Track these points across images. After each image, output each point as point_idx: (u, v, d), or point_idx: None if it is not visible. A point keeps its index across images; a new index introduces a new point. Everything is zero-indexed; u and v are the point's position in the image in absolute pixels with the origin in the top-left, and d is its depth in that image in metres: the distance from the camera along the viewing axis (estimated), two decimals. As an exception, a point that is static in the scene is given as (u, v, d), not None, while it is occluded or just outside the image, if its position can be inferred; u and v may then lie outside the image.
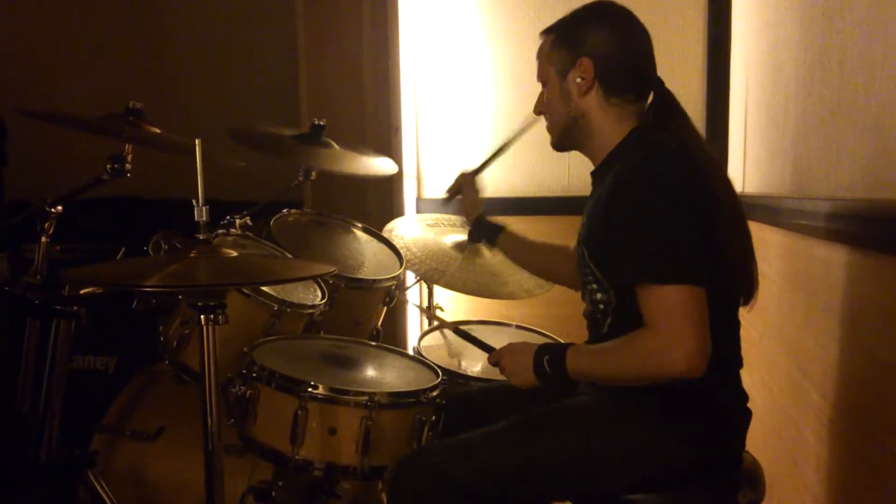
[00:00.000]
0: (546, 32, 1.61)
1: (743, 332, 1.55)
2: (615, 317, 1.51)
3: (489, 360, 1.68)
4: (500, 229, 1.96)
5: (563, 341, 2.25)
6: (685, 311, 1.33)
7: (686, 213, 1.38)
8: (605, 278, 1.51)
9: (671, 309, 1.34)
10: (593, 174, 1.62)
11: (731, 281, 1.48)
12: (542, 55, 1.61)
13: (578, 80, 1.53)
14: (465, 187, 2.02)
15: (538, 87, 1.65)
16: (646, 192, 1.40)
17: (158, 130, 1.91)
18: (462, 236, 2.46)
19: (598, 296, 1.54)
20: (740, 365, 1.54)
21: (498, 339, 2.32)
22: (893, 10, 1.41)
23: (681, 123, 1.54)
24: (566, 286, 1.94)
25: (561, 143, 1.64)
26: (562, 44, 1.56)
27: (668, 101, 1.56)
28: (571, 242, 1.74)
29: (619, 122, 1.54)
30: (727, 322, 1.52)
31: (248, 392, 1.61)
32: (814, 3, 1.91)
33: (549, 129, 1.65)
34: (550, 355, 1.51)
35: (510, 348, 1.62)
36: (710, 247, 1.40)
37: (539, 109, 1.66)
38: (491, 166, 2.05)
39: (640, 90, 1.55)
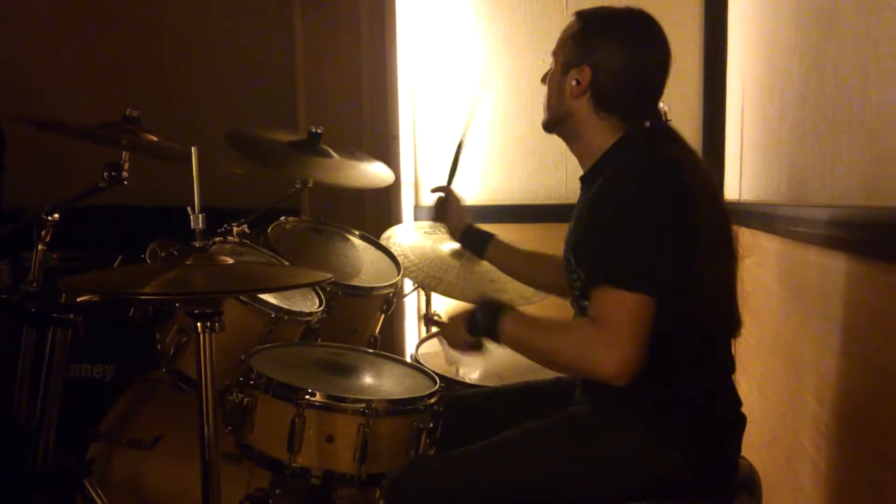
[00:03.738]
0: (576, 17, 1.56)
1: (740, 339, 1.55)
2: None
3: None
4: (487, 240, 1.96)
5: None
6: (631, 318, 1.33)
7: (658, 224, 1.38)
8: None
9: (618, 312, 1.34)
10: (582, 179, 1.61)
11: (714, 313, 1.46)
12: (564, 36, 1.57)
13: (574, 82, 1.52)
14: (447, 204, 2.01)
15: (536, 95, 1.66)
16: (624, 199, 1.40)
17: (155, 138, 1.91)
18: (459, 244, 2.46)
19: (585, 302, 1.53)
20: (733, 370, 1.54)
21: (496, 349, 2.33)
22: (887, 18, 1.42)
23: (673, 145, 1.51)
24: (554, 294, 1.95)
25: (550, 125, 1.62)
26: (578, 39, 1.53)
27: (664, 134, 1.53)
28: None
29: (607, 133, 1.53)
30: (719, 327, 1.52)
31: (246, 400, 1.61)
32: (809, 12, 1.92)
33: (544, 106, 1.62)
34: (486, 307, 1.51)
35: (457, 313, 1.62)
36: (687, 260, 1.39)
37: (544, 79, 1.63)
38: (461, 168, 2.05)
39: (634, 112, 1.53)
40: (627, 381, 1.33)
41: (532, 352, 1.51)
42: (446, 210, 2.02)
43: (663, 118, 1.54)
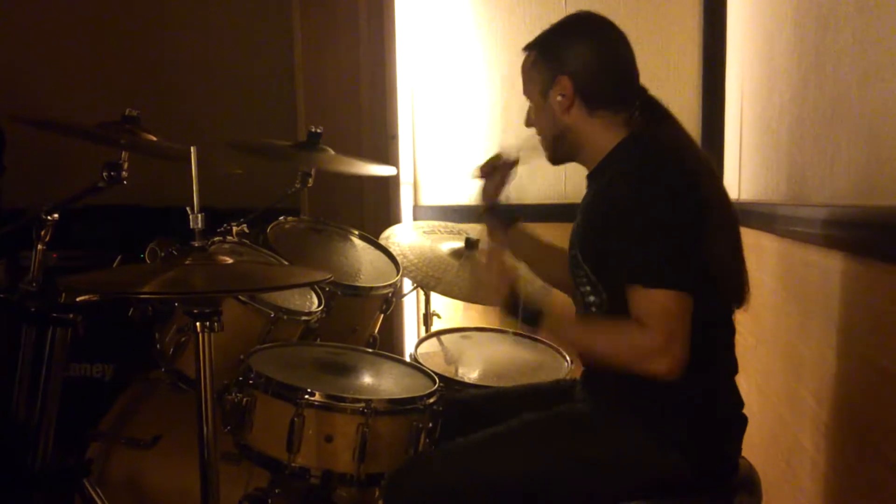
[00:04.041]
0: (527, 49, 1.61)
1: (739, 339, 1.55)
2: None
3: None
4: (512, 221, 1.88)
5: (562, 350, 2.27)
6: (676, 317, 1.36)
7: (679, 218, 1.40)
8: (598, 280, 1.51)
9: (663, 313, 1.36)
10: (589, 177, 1.62)
11: (723, 287, 1.49)
12: (524, 72, 1.62)
13: (559, 98, 1.54)
14: (499, 171, 1.88)
15: (534, 95, 1.65)
16: (641, 195, 1.41)
17: (154, 138, 1.91)
18: (459, 243, 2.47)
19: (591, 298, 1.54)
20: (735, 371, 1.54)
21: (495, 347, 2.34)
22: (886, 18, 1.42)
23: (670, 127, 1.54)
24: (563, 290, 1.94)
25: (554, 156, 1.65)
26: (542, 62, 1.57)
27: (654, 108, 1.56)
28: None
29: (609, 130, 1.55)
30: (721, 328, 1.52)
31: (245, 399, 1.61)
32: (808, 12, 1.92)
33: (541, 143, 1.65)
34: (528, 308, 1.51)
35: (498, 263, 1.63)
36: (700, 253, 1.41)
37: (528, 123, 1.66)
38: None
39: (624, 100, 1.55)
40: (679, 375, 1.36)
41: (578, 349, 1.53)
42: (491, 175, 1.89)
43: (648, 93, 1.57)
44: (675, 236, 1.39)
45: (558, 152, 1.63)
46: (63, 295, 1.80)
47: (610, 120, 1.54)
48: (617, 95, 1.55)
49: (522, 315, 1.51)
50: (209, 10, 3.14)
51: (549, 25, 1.59)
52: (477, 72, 3.15)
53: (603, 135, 1.55)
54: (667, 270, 1.37)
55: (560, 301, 1.68)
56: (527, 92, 1.62)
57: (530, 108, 1.64)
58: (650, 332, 1.37)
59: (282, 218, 2.30)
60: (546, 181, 3.11)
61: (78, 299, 1.80)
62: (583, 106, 1.54)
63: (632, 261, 1.40)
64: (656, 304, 1.37)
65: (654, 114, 1.55)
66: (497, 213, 1.89)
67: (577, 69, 1.52)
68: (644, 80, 1.59)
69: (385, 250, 2.40)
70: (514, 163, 1.89)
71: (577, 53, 1.53)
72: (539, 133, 1.64)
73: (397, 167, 2.90)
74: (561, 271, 1.89)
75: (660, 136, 1.51)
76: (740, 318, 1.56)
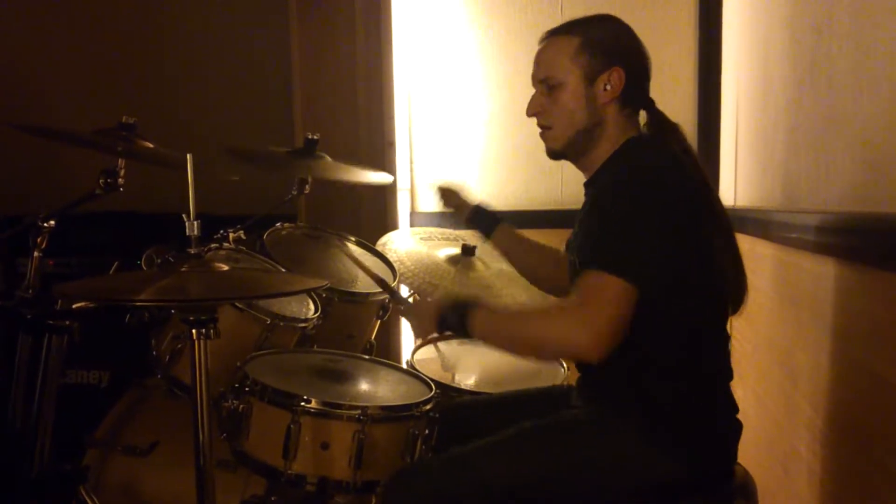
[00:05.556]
0: (565, 34, 1.56)
1: (735, 344, 1.56)
2: None
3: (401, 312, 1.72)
4: (496, 222, 1.97)
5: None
6: (611, 301, 1.35)
7: (663, 219, 1.40)
8: None
9: (600, 293, 1.36)
10: (586, 184, 1.63)
11: (721, 292, 1.49)
12: (560, 55, 1.55)
13: (607, 87, 1.53)
14: (450, 193, 2.05)
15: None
16: (629, 191, 1.42)
17: (151, 145, 1.92)
18: (455, 250, 2.47)
19: None
20: (730, 377, 1.55)
21: (491, 354, 2.33)
22: (880, 26, 1.42)
23: (677, 137, 1.55)
24: (551, 292, 1.95)
25: (565, 149, 1.60)
26: (593, 49, 1.53)
27: (661, 119, 1.58)
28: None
29: (622, 133, 1.56)
30: (716, 334, 1.53)
31: (241, 406, 1.61)
32: (803, 20, 1.93)
33: (552, 134, 1.59)
34: (454, 310, 1.51)
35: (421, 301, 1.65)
36: (693, 256, 1.42)
37: (535, 111, 1.61)
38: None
39: (642, 103, 1.58)
40: (599, 358, 1.34)
41: (510, 342, 1.51)
42: (451, 197, 2.05)
43: (655, 105, 1.59)
44: (650, 233, 1.38)
45: (571, 146, 1.58)
46: (59, 302, 1.80)
47: (629, 121, 1.57)
48: (643, 97, 1.58)
49: (452, 318, 1.50)
50: (206, 17, 3.15)
51: (574, 17, 1.59)
52: (474, 78, 3.16)
53: (616, 136, 1.56)
54: (627, 260, 1.36)
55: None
56: (560, 76, 1.55)
57: (537, 96, 1.60)
58: (579, 305, 1.37)
59: (278, 224, 2.30)
60: (543, 187, 3.11)
61: (74, 306, 1.80)
62: (618, 100, 1.55)
63: (598, 247, 1.40)
64: (600, 284, 1.36)
65: (662, 123, 1.57)
66: (477, 219, 1.99)
67: (629, 64, 1.54)
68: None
69: (382, 256, 2.40)
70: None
71: (631, 50, 1.56)
72: (559, 124, 1.58)
73: (394, 174, 2.90)
74: (548, 269, 1.91)
75: (659, 141, 1.53)
76: (736, 324, 1.57)
